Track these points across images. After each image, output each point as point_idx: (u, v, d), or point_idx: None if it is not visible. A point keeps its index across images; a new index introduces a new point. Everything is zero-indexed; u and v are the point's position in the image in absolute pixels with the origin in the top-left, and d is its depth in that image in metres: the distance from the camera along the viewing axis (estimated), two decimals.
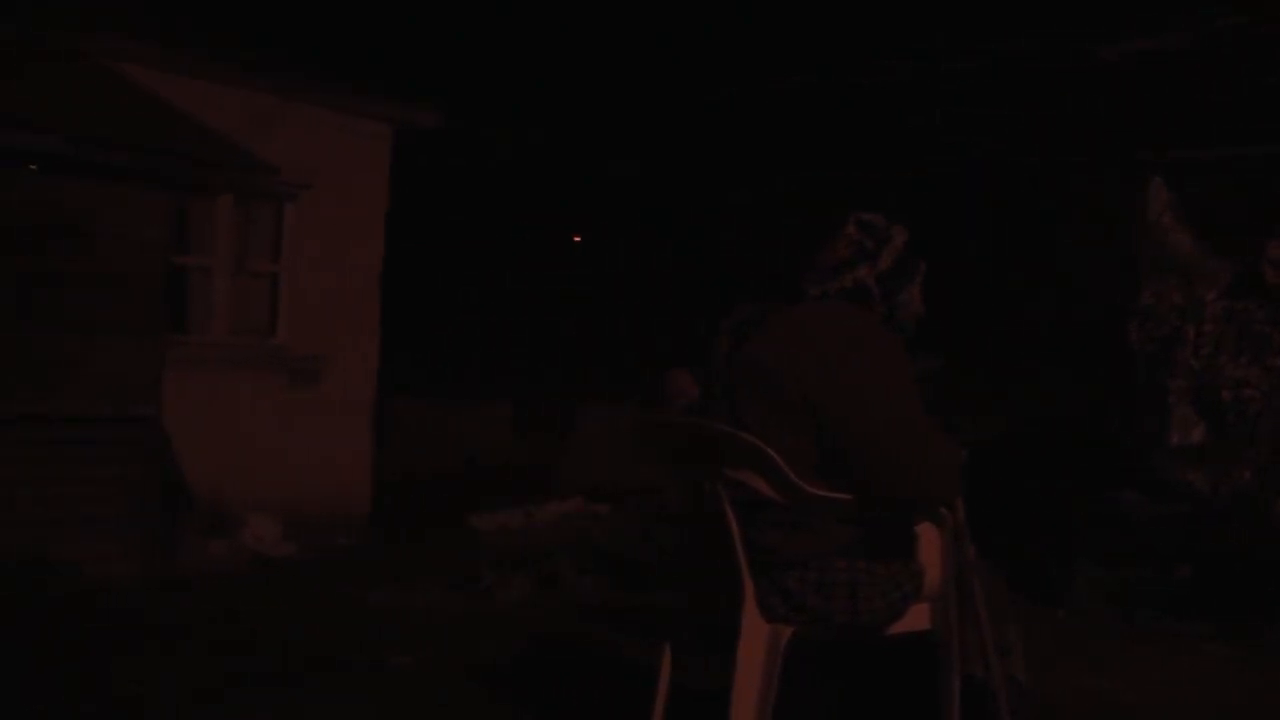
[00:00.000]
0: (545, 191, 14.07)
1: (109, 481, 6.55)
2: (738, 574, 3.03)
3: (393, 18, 13.51)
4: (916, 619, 3.13)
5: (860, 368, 3.00)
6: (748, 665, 2.98)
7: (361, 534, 8.76)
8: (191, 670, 4.78)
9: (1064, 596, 6.33)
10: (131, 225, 6.60)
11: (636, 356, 13.66)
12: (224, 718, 4.26)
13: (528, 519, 8.20)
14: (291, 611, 6.09)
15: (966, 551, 3.23)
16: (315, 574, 7.18)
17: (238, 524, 7.79)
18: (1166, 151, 8.26)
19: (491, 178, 13.42)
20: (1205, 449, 6.66)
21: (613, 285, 15.19)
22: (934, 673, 3.13)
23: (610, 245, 15.33)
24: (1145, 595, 6.25)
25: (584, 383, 13.64)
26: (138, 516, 6.64)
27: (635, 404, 12.43)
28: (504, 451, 12.48)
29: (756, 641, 2.99)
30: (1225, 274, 6.91)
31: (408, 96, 10.04)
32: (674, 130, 13.36)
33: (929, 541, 3.16)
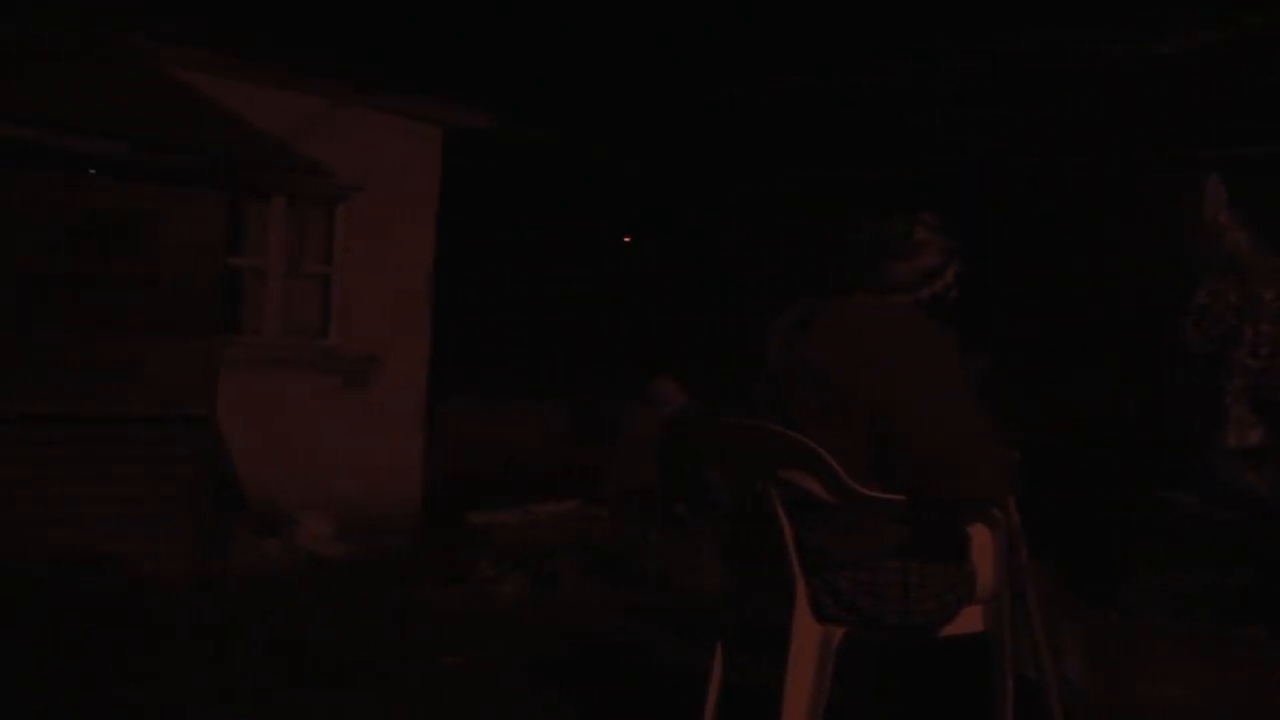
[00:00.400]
0: (595, 192, 14.09)
1: (164, 481, 6.64)
2: (790, 574, 3.03)
3: (442, 19, 13.58)
4: (970, 621, 3.11)
5: (913, 369, 2.98)
6: (799, 666, 2.97)
7: (412, 534, 8.82)
8: (243, 669, 4.83)
9: (1117, 599, 6.27)
10: (187, 228, 6.68)
11: (688, 358, 13.66)
12: (275, 717, 4.30)
13: (525, 517, 8.22)
14: (343, 611, 6.15)
15: (1020, 553, 3.21)
16: (366, 574, 7.23)
17: (290, 524, 7.86)
18: (1217, 149, 8.16)
19: (541, 178, 13.46)
20: (1263, 450, 6.56)
21: (664, 286, 15.18)
22: (987, 674, 3.11)
23: (662, 245, 15.33)
24: (1200, 599, 6.17)
25: (635, 384, 13.65)
26: (192, 516, 6.72)
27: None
28: (554, 453, 12.50)
29: (808, 642, 2.98)
30: None
31: (458, 98, 10.10)
32: (729, 129, 13.32)
33: (982, 543, 3.14)
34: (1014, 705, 3.06)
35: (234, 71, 8.59)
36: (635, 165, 12.55)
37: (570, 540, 7.33)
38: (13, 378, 6.12)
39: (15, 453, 6.13)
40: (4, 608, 5.46)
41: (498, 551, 7.22)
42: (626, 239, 15.64)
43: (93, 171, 6.51)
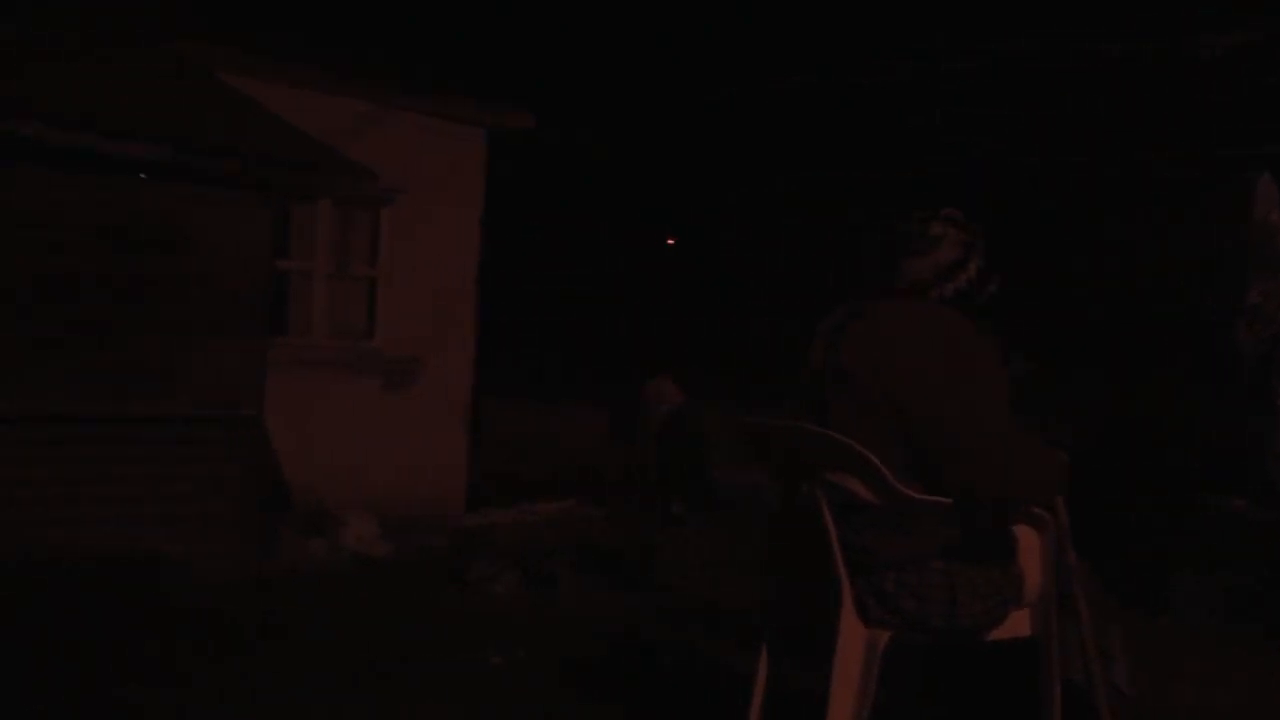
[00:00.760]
0: (636, 193, 14.11)
1: (214, 481, 6.70)
2: (835, 576, 3.03)
3: (485, 23, 13.66)
4: (1017, 625, 3.09)
5: (939, 369, 2.97)
6: (845, 669, 2.97)
7: (457, 534, 8.87)
8: (291, 667, 4.88)
9: (1165, 603, 6.20)
10: (235, 230, 6.75)
11: (732, 358, 13.64)
12: (322, 716, 4.34)
13: (519, 517, 8.24)
14: (388, 610, 6.19)
15: (1068, 555, 3.18)
16: (411, 573, 7.29)
17: (337, 524, 7.92)
18: (1263, 146, 8.06)
19: (583, 180, 13.50)
20: None
21: (708, 287, 15.18)
22: (1034, 678, 3.09)
23: (707, 248, 15.33)
24: (1249, 602, 6.10)
25: (679, 385, 13.65)
26: (240, 516, 6.78)
27: (731, 408, 12.43)
28: (598, 453, 12.53)
29: (854, 645, 2.98)
30: None
31: (500, 100, 10.15)
32: (771, 131, 13.31)
33: (1029, 546, 3.12)
34: (1062, 710, 3.04)
35: (280, 76, 8.68)
36: (674, 166, 12.58)
37: (570, 539, 7.36)
38: (65, 379, 6.21)
39: (66, 453, 6.21)
40: (64, 605, 5.53)
41: (495, 551, 7.25)
42: (670, 241, 15.65)
43: (142, 176, 6.58)
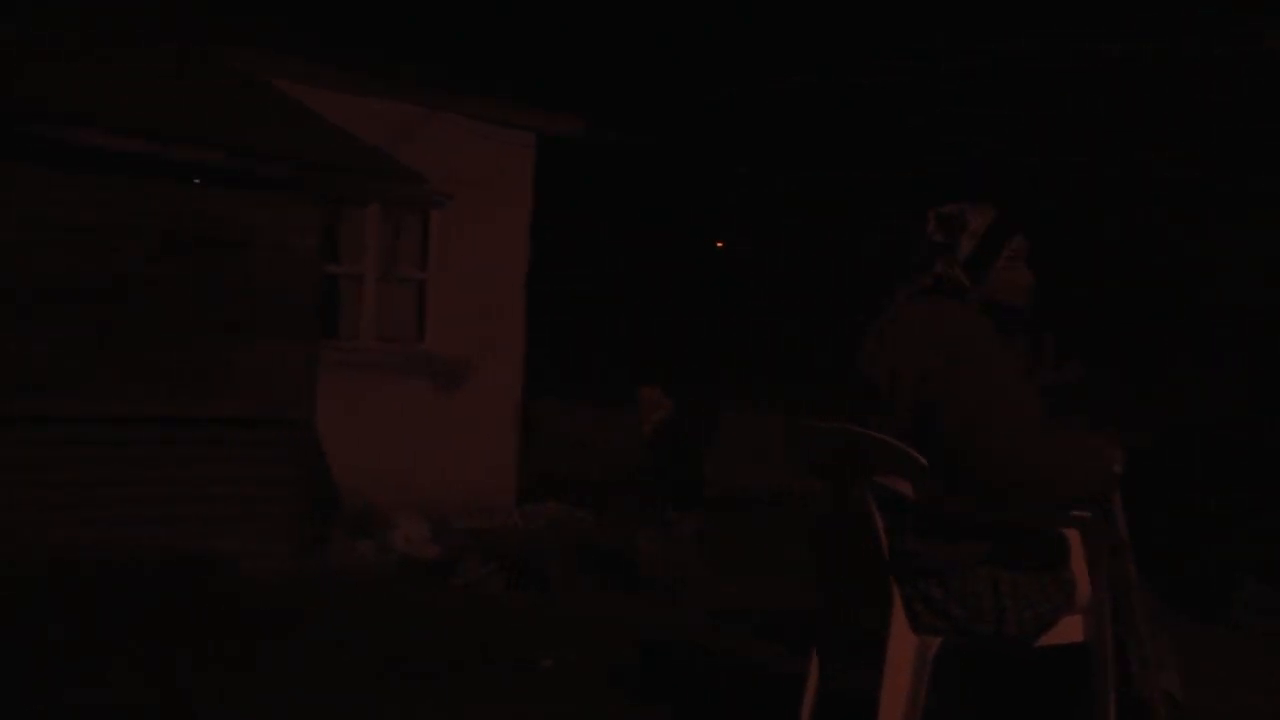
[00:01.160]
0: (686, 197, 14.11)
1: (264, 482, 6.77)
2: (884, 582, 2.99)
3: (534, 27, 13.71)
4: (1069, 631, 3.05)
5: (955, 367, 2.90)
6: (895, 675, 2.93)
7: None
8: (341, 666, 4.91)
9: (1225, 612, 6.09)
10: (287, 235, 6.81)
11: (780, 361, 13.59)
12: (372, 716, 4.36)
13: (510, 518, 8.24)
14: (437, 612, 6.21)
15: (1124, 562, 3.11)
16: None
17: (386, 525, 7.96)
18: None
19: (631, 183, 13.51)
20: None
21: (756, 290, 15.14)
22: (1088, 686, 3.04)
23: (756, 251, 15.30)
24: None
25: (726, 387, 13.63)
26: (291, 516, 6.84)
27: (778, 409, 12.39)
28: (646, 456, 12.51)
29: (904, 651, 2.94)
30: None
31: (550, 104, 10.17)
32: (815, 135, 13.27)
33: (1081, 551, 3.07)
34: (1116, 718, 2.99)
35: (330, 81, 8.75)
36: (723, 170, 12.57)
37: (566, 541, 7.40)
38: (122, 380, 6.29)
39: (123, 453, 6.30)
40: (122, 600, 5.60)
41: (487, 551, 7.28)
42: (719, 244, 15.63)
43: (196, 181, 6.66)
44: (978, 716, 3.38)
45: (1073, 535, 3.07)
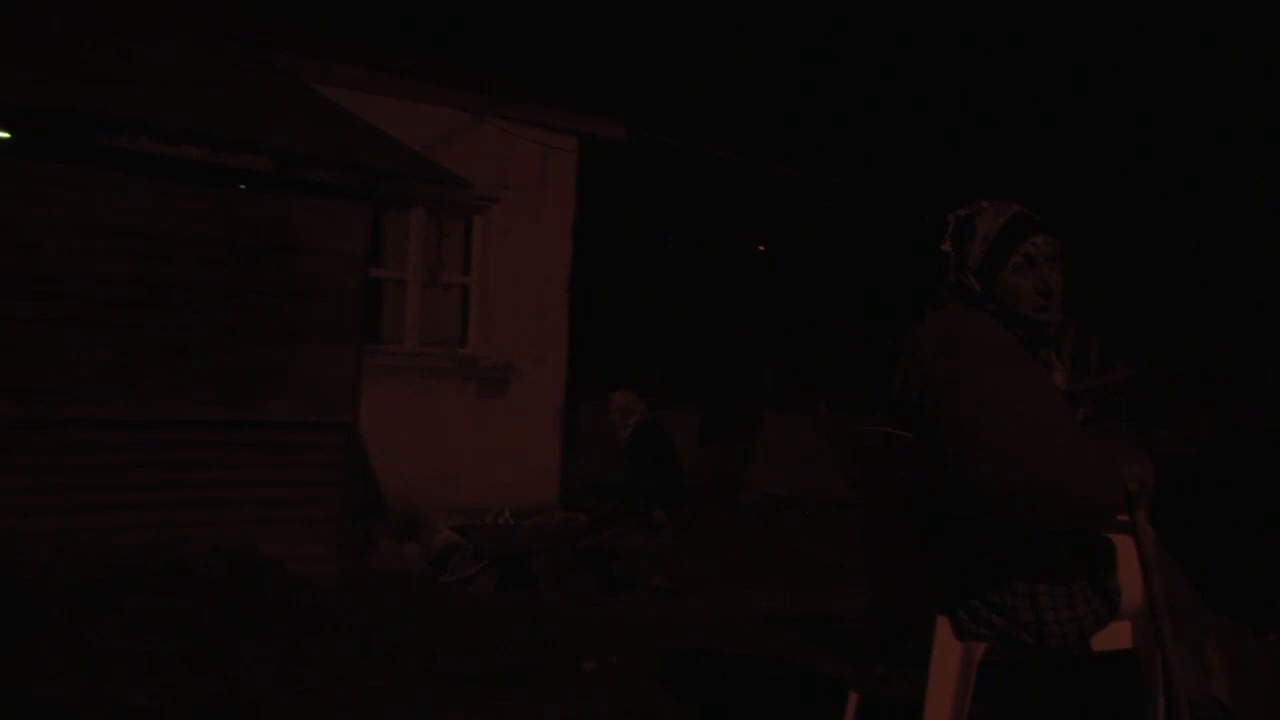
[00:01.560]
0: (729, 201, 14.09)
1: (310, 485, 6.82)
2: (928, 587, 2.98)
3: (578, 31, 13.74)
4: (1116, 637, 3.01)
5: (954, 371, 2.80)
6: (940, 682, 2.92)
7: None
8: (386, 667, 4.94)
9: (1276, 617, 6.01)
10: (332, 239, 6.86)
11: (822, 365, 13.54)
12: (412, 717, 4.40)
13: (498, 518, 8.26)
14: (479, 614, 6.25)
15: (1152, 579, 3.03)
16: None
17: (429, 528, 8.01)
18: None
19: (674, 186, 13.51)
20: None
21: (799, 294, 15.10)
22: (1136, 692, 3.01)
23: (799, 255, 15.25)
24: None
25: (769, 391, 13.60)
26: (337, 520, 6.89)
27: (822, 413, 12.35)
28: (689, 459, 12.52)
29: (949, 658, 2.93)
30: None
31: (593, 108, 10.20)
32: (864, 140, 13.22)
33: (1127, 559, 3.03)
34: None
35: (376, 86, 8.82)
36: (766, 174, 12.54)
37: (551, 542, 7.47)
38: (172, 384, 6.36)
39: (173, 456, 6.37)
40: (172, 596, 5.65)
41: (481, 550, 7.33)
42: (760, 248, 15.60)
43: (242, 186, 6.73)
44: None
45: (1120, 541, 3.04)
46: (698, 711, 4.45)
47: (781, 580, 7.43)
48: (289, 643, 5.23)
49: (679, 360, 13.88)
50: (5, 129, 6.06)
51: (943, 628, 2.94)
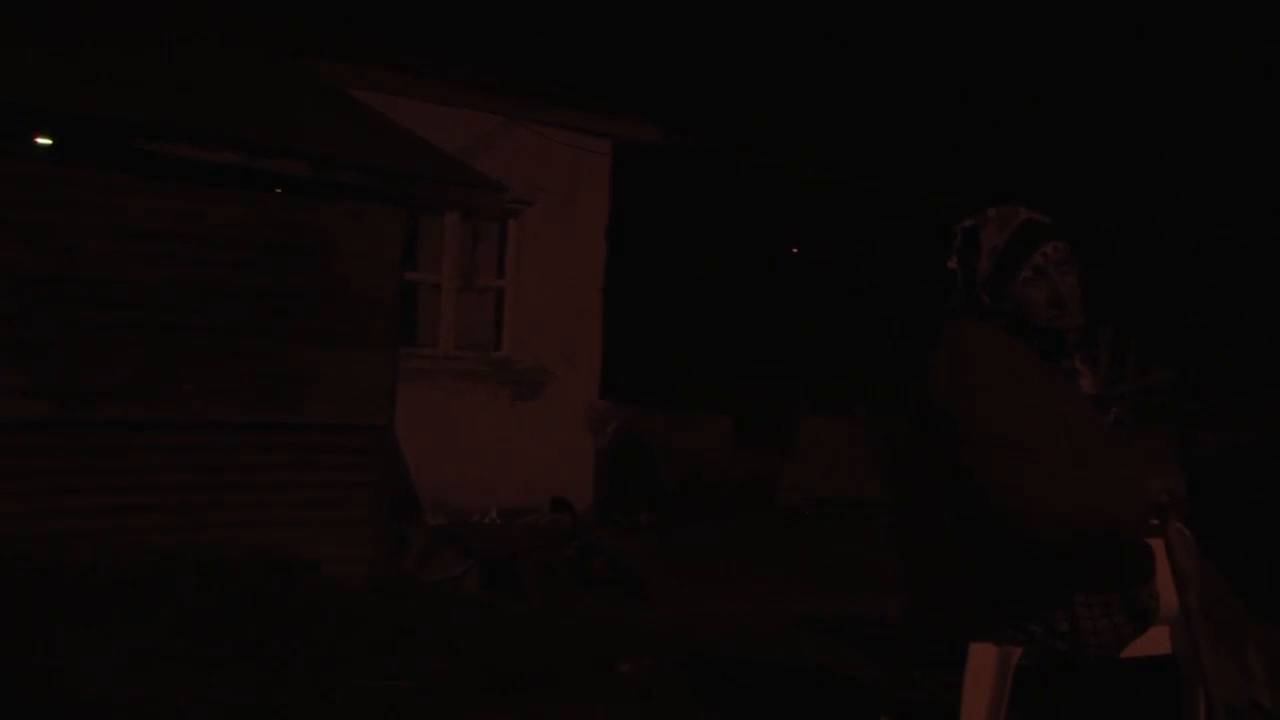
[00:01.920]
0: (762, 203, 14.07)
1: (346, 487, 6.85)
2: (963, 593, 2.95)
3: (611, 36, 13.76)
4: (1155, 642, 2.98)
5: (964, 392, 2.74)
6: (975, 686, 2.89)
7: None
8: (416, 670, 4.96)
9: None
10: (368, 243, 6.90)
11: (857, 367, 13.49)
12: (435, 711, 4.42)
13: (485, 518, 8.30)
14: (513, 616, 6.26)
15: (1187, 592, 2.98)
16: (538, 581, 7.35)
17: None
18: None
19: (709, 191, 13.50)
20: None
21: (832, 297, 15.05)
22: (1175, 698, 2.98)
23: (833, 256, 15.21)
24: None
25: (804, 394, 13.55)
26: (373, 522, 6.92)
27: (857, 416, 12.29)
28: (724, 463, 12.49)
29: (985, 662, 2.90)
30: None
31: (627, 113, 10.21)
32: (899, 141, 13.17)
33: (1164, 564, 2.99)
34: None
35: (409, 90, 8.85)
36: (800, 177, 12.52)
37: (539, 543, 7.51)
38: (208, 387, 6.41)
39: (211, 458, 6.42)
40: (215, 603, 5.70)
41: (463, 550, 7.37)
42: (794, 250, 15.57)
43: (278, 190, 6.78)
44: None
45: (1159, 546, 3.00)
46: (731, 716, 4.44)
47: (815, 583, 7.40)
48: (324, 644, 5.26)
49: (713, 363, 13.86)
50: (47, 135, 6.13)
51: (978, 634, 2.92)
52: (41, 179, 6.02)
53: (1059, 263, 2.88)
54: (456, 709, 4.47)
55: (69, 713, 4.18)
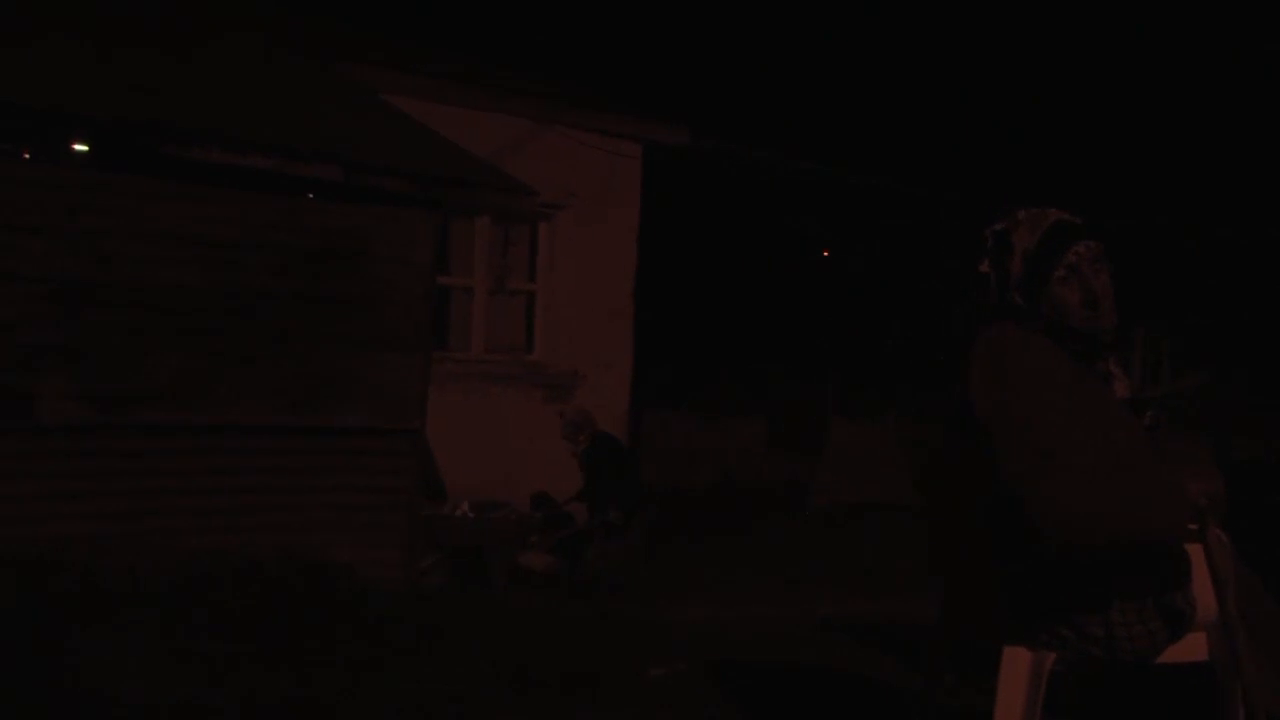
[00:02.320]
0: (794, 206, 14.04)
1: (378, 490, 6.89)
2: (997, 597, 2.94)
3: (641, 39, 13.77)
4: (1192, 649, 2.96)
5: (1000, 400, 2.72)
6: (1009, 691, 2.88)
7: None
8: (449, 673, 4.97)
9: None
10: (401, 247, 6.93)
11: (889, 371, 13.44)
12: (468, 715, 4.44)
13: (456, 510, 8.32)
14: (544, 620, 6.27)
15: (1226, 597, 2.96)
16: (568, 588, 7.38)
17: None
18: None
19: (739, 193, 13.49)
20: None
21: (866, 300, 15.01)
22: (1213, 704, 2.95)
23: (865, 261, 15.17)
24: None
25: (835, 398, 13.51)
26: (405, 525, 6.95)
27: (890, 419, 12.24)
28: (756, 466, 12.47)
29: (1019, 667, 2.89)
30: None
31: (657, 115, 10.21)
32: (930, 145, 13.12)
33: (1202, 569, 2.97)
34: None
35: (442, 94, 8.89)
36: (831, 179, 12.49)
37: (507, 538, 7.55)
38: (243, 391, 6.46)
39: (245, 462, 6.47)
40: (250, 606, 5.75)
41: (433, 543, 7.40)
42: (825, 253, 15.53)
43: (310, 195, 6.82)
44: None
45: (1195, 551, 2.98)
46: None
47: (846, 587, 7.37)
48: (358, 646, 5.28)
49: (745, 366, 13.84)
50: (83, 140, 6.20)
51: (1012, 638, 2.90)
52: (78, 184, 6.08)
53: (1091, 261, 2.88)
54: (490, 712, 4.48)
55: (104, 716, 4.22)
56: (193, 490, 6.27)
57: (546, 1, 13.92)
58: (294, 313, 6.63)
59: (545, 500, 8.40)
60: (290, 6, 9.61)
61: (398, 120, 8.00)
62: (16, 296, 5.83)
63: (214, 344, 6.39)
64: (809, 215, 14.33)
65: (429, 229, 7.11)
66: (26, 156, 6.06)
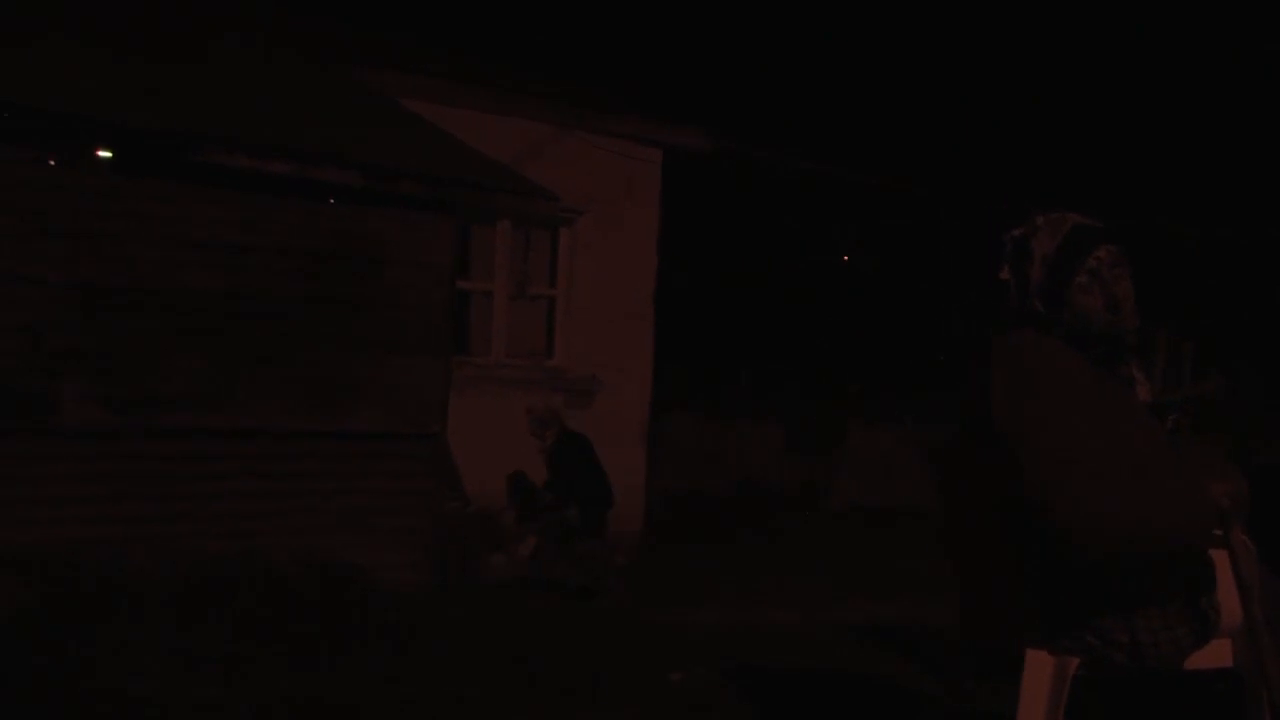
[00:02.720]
0: (812, 211, 14.03)
1: (399, 494, 6.90)
2: (1018, 602, 2.93)
3: (660, 44, 13.78)
4: (1216, 655, 2.94)
5: (1018, 407, 2.68)
6: (1031, 697, 2.87)
7: (635, 551, 8.93)
8: (466, 675, 4.99)
9: None
10: (420, 252, 6.95)
11: (906, 376, 13.42)
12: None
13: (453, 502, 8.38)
14: (563, 624, 6.27)
15: (1250, 604, 2.94)
16: (582, 592, 7.39)
17: (515, 539, 8.06)
18: None
19: (758, 196, 13.49)
20: None
21: (881, 305, 14.98)
22: (1238, 710, 2.93)
23: (884, 265, 15.15)
24: None
25: (853, 403, 13.50)
26: (425, 530, 6.97)
27: (907, 425, 12.22)
28: (774, 470, 12.46)
29: (1042, 673, 2.87)
30: None
31: (676, 120, 10.21)
32: (948, 149, 13.09)
33: (1227, 575, 2.95)
34: None
35: (462, 100, 8.90)
36: (849, 184, 12.48)
37: (466, 531, 7.57)
38: (264, 395, 6.48)
39: (264, 466, 6.49)
40: (272, 607, 5.78)
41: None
42: (844, 258, 15.51)
43: (331, 200, 6.84)
44: None
45: (1220, 557, 2.96)
46: None
47: (863, 591, 7.36)
48: (376, 649, 5.30)
49: (764, 371, 13.84)
50: (107, 148, 6.24)
51: (1034, 642, 2.89)
52: (102, 190, 6.12)
53: (1112, 266, 2.85)
54: (505, 713, 4.49)
55: (122, 713, 4.24)
56: (212, 493, 6.30)
57: (566, 7, 13.95)
58: (314, 317, 6.66)
59: (521, 480, 8.41)
60: (304, 9, 9.65)
61: (416, 124, 8.01)
62: (41, 301, 5.88)
63: (235, 348, 6.42)
64: (827, 219, 14.32)
65: (448, 233, 7.13)
66: (52, 162, 6.10)
